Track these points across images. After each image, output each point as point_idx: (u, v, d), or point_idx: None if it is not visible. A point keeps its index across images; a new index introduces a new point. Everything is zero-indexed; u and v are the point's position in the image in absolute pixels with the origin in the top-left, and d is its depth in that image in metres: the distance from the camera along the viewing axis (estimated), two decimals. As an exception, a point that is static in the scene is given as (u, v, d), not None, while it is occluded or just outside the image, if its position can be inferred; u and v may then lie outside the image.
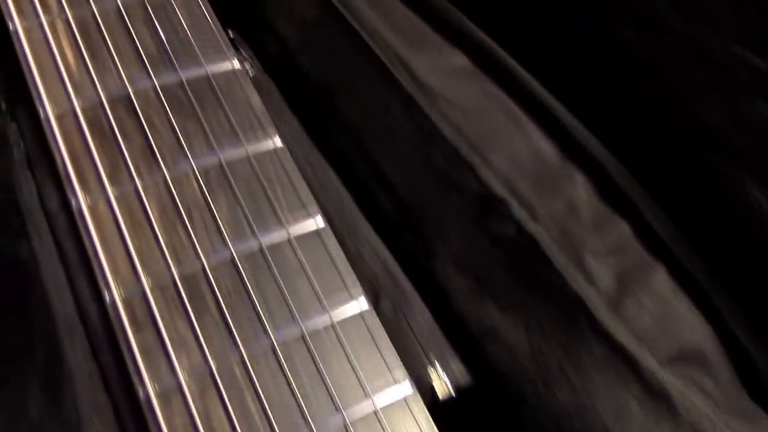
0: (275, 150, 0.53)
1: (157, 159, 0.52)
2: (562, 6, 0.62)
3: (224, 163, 0.52)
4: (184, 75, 0.55)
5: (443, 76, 0.62)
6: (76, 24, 0.56)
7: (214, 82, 0.55)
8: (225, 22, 0.59)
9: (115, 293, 0.48)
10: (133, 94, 0.53)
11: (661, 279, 0.55)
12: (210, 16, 0.58)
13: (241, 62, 0.57)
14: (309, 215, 0.51)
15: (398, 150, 0.60)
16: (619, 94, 0.60)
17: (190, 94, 0.54)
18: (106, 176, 0.51)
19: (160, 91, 0.54)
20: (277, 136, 0.53)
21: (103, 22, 0.56)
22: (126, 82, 0.54)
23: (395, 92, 0.60)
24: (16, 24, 0.56)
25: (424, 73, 0.62)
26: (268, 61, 0.67)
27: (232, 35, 0.62)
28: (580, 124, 0.59)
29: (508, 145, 0.59)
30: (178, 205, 0.50)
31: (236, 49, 0.62)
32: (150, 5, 0.57)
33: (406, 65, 0.62)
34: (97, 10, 0.56)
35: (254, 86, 0.56)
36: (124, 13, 0.57)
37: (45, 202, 0.56)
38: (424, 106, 0.59)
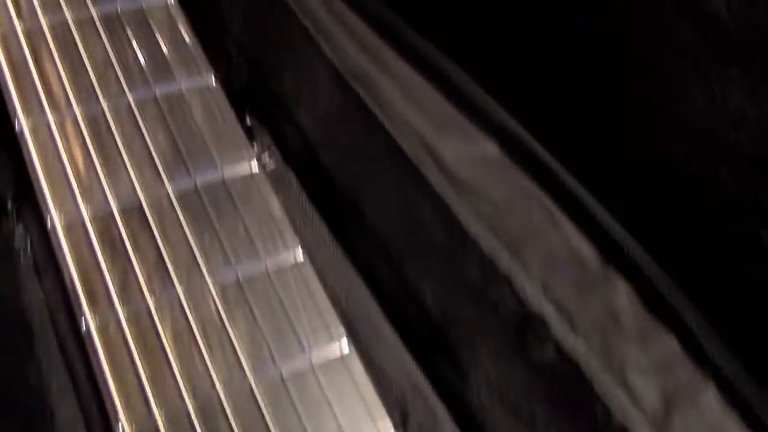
0: (296, 264, 0.50)
1: (170, 275, 0.48)
2: (609, 108, 0.58)
3: (242, 280, 0.49)
4: (199, 180, 0.51)
5: (473, 165, 0.59)
6: (85, 123, 0.53)
7: (230, 188, 0.52)
8: (243, 108, 0.55)
9: (125, 427, 0.44)
10: (146, 202, 0.50)
11: (710, 398, 0.51)
12: (226, 112, 0.55)
13: (259, 157, 0.54)
14: (333, 339, 0.48)
15: (428, 258, 0.56)
16: (665, 200, 0.56)
17: (206, 201, 0.51)
18: (117, 294, 0.48)
19: (173, 199, 0.50)
20: (299, 247, 0.50)
21: (113, 121, 0.53)
22: (138, 188, 0.50)
23: (422, 191, 0.57)
24: (22, 123, 0.53)
25: (453, 162, 0.58)
26: (290, 153, 0.64)
27: (250, 123, 0.59)
28: (619, 225, 0.56)
29: (544, 245, 0.55)
30: (192, 327, 0.47)
31: (254, 140, 0.59)
32: (163, 100, 0.54)
33: (434, 153, 0.59)
34: (108, 108, 0.53)
35: (275, 180, 0.53)
36: (135, 110, 0.53)
37: (53, 314, 0.53)
38: (454, 204, 0.55)
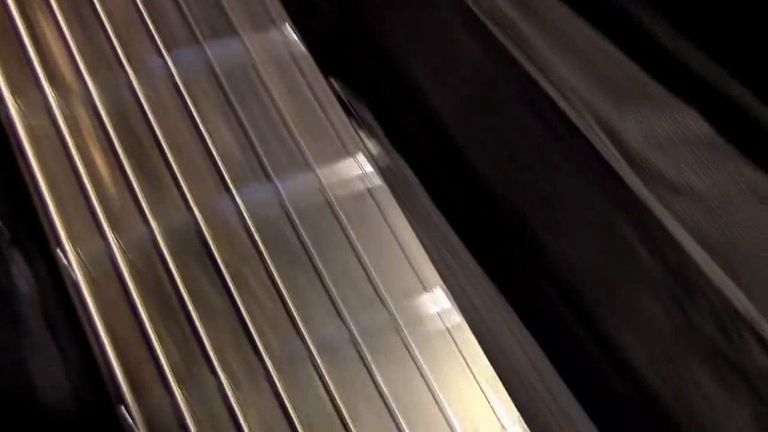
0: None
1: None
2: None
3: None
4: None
5: (672, 150, 0.40)
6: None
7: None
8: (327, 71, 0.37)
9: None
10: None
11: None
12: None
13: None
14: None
15: (641, 312, 0.37)
16: None
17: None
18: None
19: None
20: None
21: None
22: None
23: (626, 205, 0.38)
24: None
25: (641, 145, 0.39)
26: (406, 138, 0.44)
27: (342, 93, 0.40)
28: None
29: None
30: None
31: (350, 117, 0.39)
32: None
33: (615, 137, 0.40)
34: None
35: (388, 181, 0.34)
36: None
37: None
38: (662, 217, 0.37)
